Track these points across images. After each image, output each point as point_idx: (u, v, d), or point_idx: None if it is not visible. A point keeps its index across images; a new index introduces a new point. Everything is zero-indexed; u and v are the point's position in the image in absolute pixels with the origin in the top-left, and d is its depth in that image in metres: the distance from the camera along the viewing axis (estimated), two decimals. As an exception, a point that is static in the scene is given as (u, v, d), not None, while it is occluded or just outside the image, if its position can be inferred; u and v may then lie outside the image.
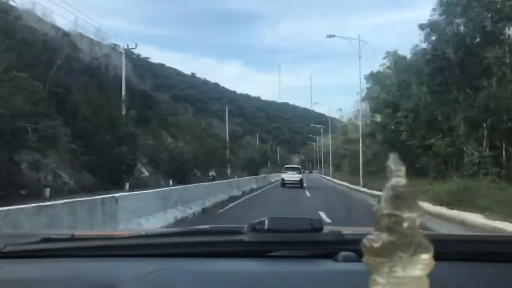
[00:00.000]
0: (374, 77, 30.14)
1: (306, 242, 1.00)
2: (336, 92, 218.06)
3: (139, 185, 25.97)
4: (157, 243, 1.08)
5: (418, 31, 20.70)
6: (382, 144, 28.17)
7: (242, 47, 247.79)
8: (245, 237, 1.00)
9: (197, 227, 1.24)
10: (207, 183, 15.72)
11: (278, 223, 1.00)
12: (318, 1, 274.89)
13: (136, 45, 29.70)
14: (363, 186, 24.97)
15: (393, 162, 0.52)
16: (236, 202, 14.85)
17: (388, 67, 29.23)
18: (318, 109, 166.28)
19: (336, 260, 0.94)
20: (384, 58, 29.10)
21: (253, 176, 32.41)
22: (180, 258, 1.00)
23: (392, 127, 24.57)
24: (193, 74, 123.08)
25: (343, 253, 0.95)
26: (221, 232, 1.16)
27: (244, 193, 19.40)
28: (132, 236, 1.18)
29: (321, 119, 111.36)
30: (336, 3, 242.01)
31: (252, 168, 60.10)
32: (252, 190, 22.18)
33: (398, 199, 0.51)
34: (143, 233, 1.22)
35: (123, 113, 25.96)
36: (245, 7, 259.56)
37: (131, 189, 21.56)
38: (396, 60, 28.05)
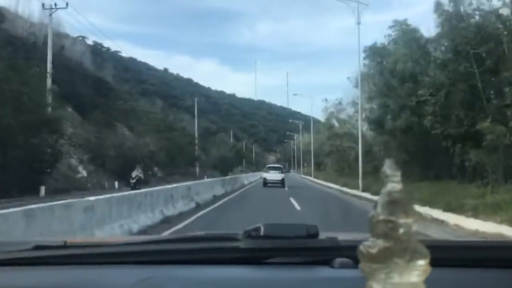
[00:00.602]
0: (375, 51, 23.67)
1: (302, 249, 1.02)
2: (314, 93, 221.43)
3: (69, 188, 20.42)
4: (151, 250, 1.08)
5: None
6: (394, 135, 22.47)
7: (218, 46, 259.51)
8: (240, 244, 1.01)
9: (192, 233, 1.26)
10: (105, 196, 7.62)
11: (274, 229, 1.03)
12: (296, 1, 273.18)
13: (67, 4, 22.32)
14: (364, 190, 19.95)
15: (388, 167, 0.54)
16: (172, 230, 7.86)
17: (393, 40, 23.36)
18: (296, 107, 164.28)
19: (332, 267, 0.97)
20: (390, 27, 23.54)
21: (219, 178, 26.34)
22: (174, 265, 1.01)
23: (409, 112, 17.83)
24: (165, 69, 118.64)
25: (339, 260, 0.97)
26: (216, 238, 1.16)
27: (198, 206, 12.28)
28: (125, 243, 1.18)
29: (299, 117, 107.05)
30: (315, 3, 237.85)
31: (225, 167, 55.82)
32: (214, 200, 16.59)
33: (394, 205, 0.52)
34: (137, 240, 1.25)
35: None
36: (223, 6, 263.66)
37: (51, 195, 16.28)
38: (405, 30, 21.85)
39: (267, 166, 31.73)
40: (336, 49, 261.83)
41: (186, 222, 9.64)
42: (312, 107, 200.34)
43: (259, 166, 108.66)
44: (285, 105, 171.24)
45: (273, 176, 27.19)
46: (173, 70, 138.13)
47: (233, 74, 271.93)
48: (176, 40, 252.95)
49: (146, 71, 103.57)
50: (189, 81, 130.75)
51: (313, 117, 63.62)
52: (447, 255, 1.01)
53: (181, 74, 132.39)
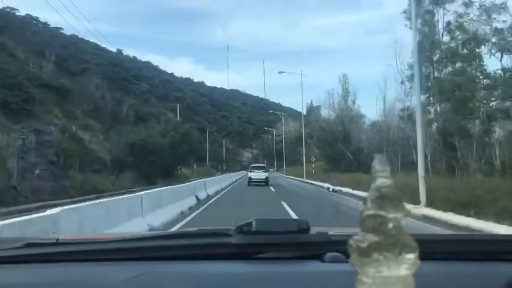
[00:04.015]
0: None
1: (293, 244, 1.13)
2: (290, 92, 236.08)
3: None
4: (143, 247, 1.18)
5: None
6: None
7: (191, 45, 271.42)
8: (232, 239, 1.13)
9: (184, 229, 1.53)
10: None
11: (265, 224, 1.14)
12: (268, 1, 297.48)
13: None
14: None
15: (378, 162, 0.61)
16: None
17: None
18: (275, 98, 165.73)
19: (323, 261, 1.08)
20: None
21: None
22: (166, 261, 1.12)
23: None
24: (119, 51, 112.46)
25: (330, 254, 1.08)
26: (208, 234, 1.26)
27: None
28: (118, 239, 1.27)
29: (279, 108, 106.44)
30: (287, 3, 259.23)
31: (157, 166, 34.34)
32: None
33: (383, 199, 0.59)
34: (129, 236, 1.31)
35: None
36: (193, 5, 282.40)
37: None
38: None
39: (252, 166, 35.19)
40: (310, 49, 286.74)
41: None
42: (290, 103, 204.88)
43: (231, 165, 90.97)
44: (261, 96, 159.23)
45: (258, 175, 31.14)
46: (129, 52, 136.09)
47: (207, 73, 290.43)
48: (148, 40, 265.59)
49: (92, 51, 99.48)
50: (147, 64, 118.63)
51: (293, 110, 61.15)
52: (435, 249, 1.12)
53: (139, 57, 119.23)
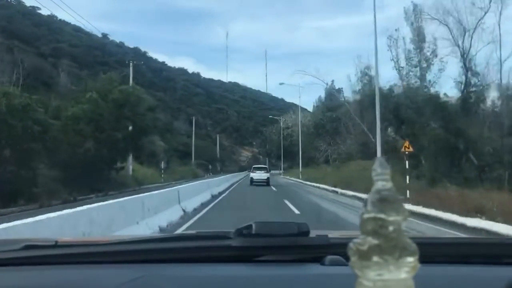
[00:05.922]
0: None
1: (293, 247, 1.21)
2: (292, 92, 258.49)
3: None
4: (143, 249, 1.26)
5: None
6: None
7: (193, 46, 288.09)
8: (232, 242, 1.21)
9: (184, 232, 1.59)
10: None
11: (265, 227, 1.22)
12: (270, 2, 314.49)
13: None
14: None
15: (379, 165, 0.65)
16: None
17: None
18: (277, 93, 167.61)
19: (323, 264, 1.15)
20: None
21: None
22: (166, 264, 1.18)
23: None
24: (104, 35, 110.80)
25: (330, 257, 1.16)
26: (208, 237, 1.34)
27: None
28: (117, 242, 1.34)
29: (281, 104, 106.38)
30: (288, 5, 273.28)
31: (44, 163, 18.89)
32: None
33: (383, 202, 0.63)
34: (128, 239, 1.39)
35: None
36: (195, 5, 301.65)
37: None
38: None
39: (254, 166, 38.76)
40: (313, 51, 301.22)
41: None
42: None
43: (227, 164, 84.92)
44: (263, 90, 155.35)
45: (259, 175, 34.59)
46: (117, 38, 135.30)
47: (208, 73, 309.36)
48: (149, 39, 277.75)
49: (70, 32, 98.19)
50: (136, 50, 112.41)
51: (300, 106, 57.86)
52: (436, 252, 1.18)
53: (127, 44, 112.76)
